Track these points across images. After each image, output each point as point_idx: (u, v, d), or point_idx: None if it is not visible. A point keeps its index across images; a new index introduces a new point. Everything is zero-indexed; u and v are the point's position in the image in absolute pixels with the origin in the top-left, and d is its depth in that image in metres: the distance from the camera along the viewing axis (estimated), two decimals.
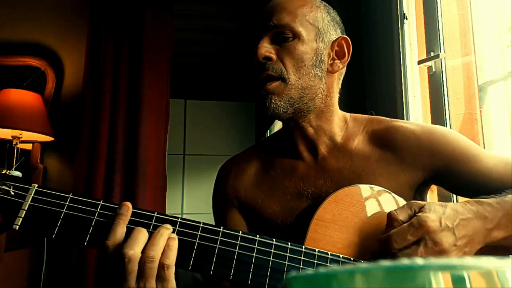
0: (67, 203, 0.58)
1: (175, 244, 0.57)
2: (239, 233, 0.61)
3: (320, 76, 0.72)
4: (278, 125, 3.03)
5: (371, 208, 0.68)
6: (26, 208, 0.57)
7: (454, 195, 1.16)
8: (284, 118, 0.72)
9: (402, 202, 0.70)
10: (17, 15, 2.34)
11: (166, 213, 0.61)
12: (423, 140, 0.73)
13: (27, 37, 2.33)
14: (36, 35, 2.34)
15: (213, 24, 2.88)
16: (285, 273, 0.60)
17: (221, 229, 0.60)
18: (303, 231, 0.66)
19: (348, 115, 0.81)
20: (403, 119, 1.37)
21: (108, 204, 0.59)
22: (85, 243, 0.57)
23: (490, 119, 1.17)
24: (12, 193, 0.57)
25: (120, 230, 0.56)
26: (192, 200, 3.53)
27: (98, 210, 0.59)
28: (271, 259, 0.60)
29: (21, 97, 1.97)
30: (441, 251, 0.56)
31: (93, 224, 0.58)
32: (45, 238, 1.90)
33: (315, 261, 0.62)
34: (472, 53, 1.22)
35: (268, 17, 0.72)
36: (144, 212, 0.60)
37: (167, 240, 0.56)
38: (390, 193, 0.70)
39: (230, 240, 0.60)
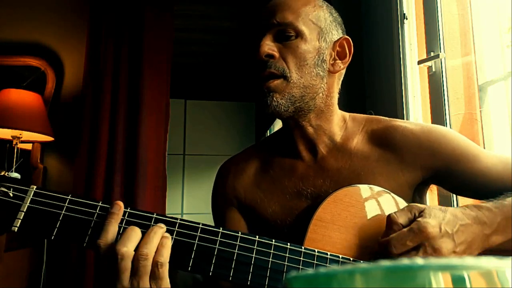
0: (66, 204, 0.58)
1: (168, 243, 0.57)
2: (239, 233, 0.61)
3: (321, 75, 0.73)
4: (278, 125, 3.03)
5: (371, 208, 0.68)
6: (24, 210, 0.56)
7: (454, 195, 1.16)
8: (284, 116, 0.72)
9: (401, 202, 0.70)
10: (17, 15, 2.34)
11: (166, 213, 0.61)
12: (422, 140, 0.73)
13: (27, 37, 2.33)
14: (36, 35, 2.34)
15: (213, 24, 2.88)
16: (284, 273, 0.60)
17: (220, 230, 0.60)
18: (303, 231, 0.66)
19: (347, 114, 0.81)
20: (403, 119, 1.36)
21: (107, 206, 0.59)
22: (84, 244, 0.57)
23: (490, 119, 1.17)
24: (11, 195, 0.56)
25: (112, 229, 0.56)
26: (192, 200, 3.53)
27: (97, 211, 0.58)
28: (270, 259, 0.60)
29: (21, 97, 1.98)
30: (440, 258, 0.57)
31: (92, 225, 0.58)
32: (44, 239, 1.90)
33: (315, 262, 0.61)
34: (472, 53, 1.22)
35: (271, 15, 0.72)
36: (143, 213, 0.60)
37: (160, 239, 0.56)
38: (389, 193, 0.70)
39: (229, 241, 0.60)
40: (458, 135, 0.77)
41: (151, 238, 0.56)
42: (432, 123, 1.27)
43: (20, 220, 0.56)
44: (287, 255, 0.61)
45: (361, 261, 0.64)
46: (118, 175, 1.99)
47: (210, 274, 0.58)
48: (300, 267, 0.61)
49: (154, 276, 0.55)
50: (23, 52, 2.29)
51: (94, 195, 1.93)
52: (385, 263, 0.20)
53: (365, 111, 0.91)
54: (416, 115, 1.42)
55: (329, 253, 0.63)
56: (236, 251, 0.60)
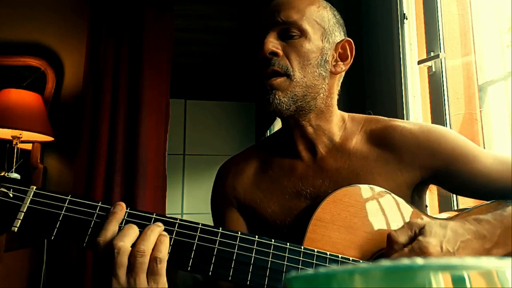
0: (66, 204, 0.58)
1: (166, 240, 0.57)
2: (238, 233, 0.61)
3: (323, 76, 0.73)
4: (278, 125, 3.03)
5: (370, 208, 0.68)
6: (24, 210, 0.56)
7: (454, 195, 1.16)
8: (285, 115, 0.71)
9: (402, 202, 0.70)
10: (17, 15, 2.34)
11: (166, 213, 0.61)
12: (421, 140, 0.73)
13: (27, 37, 2.33)
14: (36, 35, 2.34)
15: (213, 24, 2.88)
16: (284, 273, 0.60)
17: (220, 230, 0.60)
18: (302, 231, 0.66)
19: (346, 114, 0.81)
20: (403, 119, 1.36)
21: (106, 206, 0.59)
22: (84, 244, 0.57)
23: (490, 119, 1.17)
24: (11, 195, 0.57)
25: (112, 228, 0.56)
26: (192, 200, 3.53)
27: (97, 211, 0.58)
28: (270, 259, 0.60)
29: (21, 97, 1.98)
30: None
31: (91, 225, 0.58)
32: (44, 239, 1.90)
33: (314, 261, 0.61)
34: (472, 53, 1.22)
35: (275, 13, 0.71)
36: (143, 214, 0.60)
37: (159, 236, 0.57)
38: (389, 193, 0.70)
39: (229, 241, 0.60)
40: (457, 135, 0.77)
41: (148, 235, 0.56)
42: (432, 123, 1.27)
43: (20, 220, 0.56)
44: (286, 255, 0.61)
45: (361, 261, 0.64)
46: (118, 175, 1.99)
47: (210, 274, 0.58)
48: (300, 266, 0.61)
49: (153, 272, 0.55)
50: (23, 52, 2.29)
51: (94, 195, 1.93)
52: (385, 263, 0.20)
53: (365, 111, 0.91)
54: (416, 115, 1.42)
55: (328, 253, 0.63)
56: (235, 251, 0.60)
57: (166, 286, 0.57)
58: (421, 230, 0.59)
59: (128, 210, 0.59)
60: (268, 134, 3.35)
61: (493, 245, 0.61)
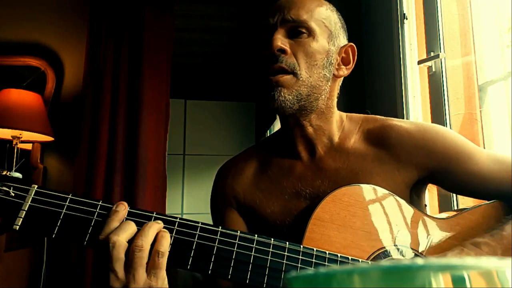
0: (67, 203, 0.58)
1: (167, 235, 0.57)
2: (238, 232, 0.61)
3: (327, 78, 0.73)
4: (278, 125, 3.03)
5: (370, 207, 0.68)
6: (26, 209, 0.57)
7: (454, 195, 1.16)
8: (287, 113, 0.71)
9: (401, 202, 0.70)
10: (17, 15, 2.34)
11: (166, 213, 0.61)
12: (417, 139, 0.73)
13: (27, 37, 2.33)
14: (36, 35, 2.34)
15: (213, 24, 2.88)
16: (283, 272, 0.60)
17: (220, 229, 0.61)
18: (302, 231, 0.66)
19: (344, 114, 0.81)
20: (403, 119, 1.36)
21: (107, 205, 0.59)
22: (85, 243, 0.57)
23: (490, 119, 1.17)
24: (12, 194, 0.57)
25: (113, 226, 0.57)
26: (192, 200, 3.53)
27: (97, 210, 0.59)
28: (269, 258, 0.60)
29: (21, 97, 1.98)
30: None
31: (92, 224, 0.58)
32: (45, 238, 1.90)
33: (313, 261, 0.62)
34: (472, 53, 1.22)
35: (285, 10, 0.71)
36: (143, 212, 0.60)
37: (160, 231, 0.57)
38: (389, 192, 0.70)
39: (228, 240, 0.60)
40: (455, 135, 0.76)
41: (146, 231, 0.56)
42: (432, 123, 1.27)
43: (21, 219, 0.56)
44: (286, 254, 0.61)
45: (360, 260, 0.64)
46: (118, 175, 1.99)
47: (209, 272, 0.58)
48: (299, 266, 0.61)
49: (153, 266, 0.55)
50: (23, 52, 2.29)
51: (94, 195, 1.93)
52: (384, 263, 0.20)
53: (365, 111, 0.91)
54: (416, 115, 1.42)
55: (327, 252, 0.63)
56: (235, 249, 0.60)
57: (166, 279, 0.57)
58: None
59: (128, 209, 0.59)
60: (268, 134, 3.35)
61: None
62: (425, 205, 0.86)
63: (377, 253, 0.66)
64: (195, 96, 3.68)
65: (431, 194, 1.25)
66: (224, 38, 3.10)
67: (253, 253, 0.60)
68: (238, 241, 0.60)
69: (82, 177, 2.00)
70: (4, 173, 0.59)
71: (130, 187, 1.98)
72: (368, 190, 0.70)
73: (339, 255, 0.63)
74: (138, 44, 2.13)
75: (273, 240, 0.61)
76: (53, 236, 0.57)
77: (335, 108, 0.78)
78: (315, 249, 0.62)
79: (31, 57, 2.29)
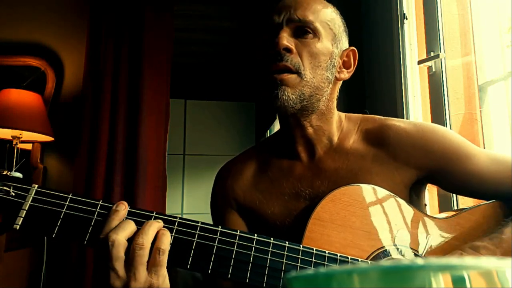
0: (67, 203, 0.58)
1: (168, 233, 0.58)
2: (237, 232, 0.61)
3: (330, 80, 0.73)
4: (278, 126, 3.03)
5: (369, 207, 0.68)
6: (26, 208, 0.57)
7: (454, 195, 1.16)
8: (289, 112, 0.71)
9: (401, 201, 0.70)
10: (17, 15, 2.34)
11: (166, 213, 0.61)
12: (416, 139, 0.74)
13: (27, 37, 2.33)
14: (36, 35, 2.34)
15: (213, 24, 2.88)
16: (283, 272, 0.60)
17: (219, 229, 0.61)
18: (302, 231, 0.66)
19: (343, 115, 0.81)
20: (403, 119, 1.36)
21: (107, 204, 0.59)
22: (85, 242, 0.57)
23: (490, 119, 1.17)
24: (13, 194, 0.57)
25: (113, 225, 0.57)
26: (192, 200, 3.53)
27: (98, 210, 0.59)
28: (269, 257, 0.60)
29: (21, 97, 1.97)
30: None
31: (92, 223, 0.58)
32: (45, 237, 1.90)
33: (313, 260, 0.62)
34: (472, 53, 1.22)
35: (291, 10, 0.72)
36: (143, 212, 0.60)
37: (160, 230, 0.57)
38: (389, 192, 0.70)
39: (228, 239, 0.60)
40: (454, 135, 0.76)
41: (146, 229, 0.56)
42: (432, 123, 1.27)
43: (22, 218, 0.56)
44: (285, 253, 0.61)
45: (360, 260, 0.64)
46: (118, 175, 1.99)
47: (209, 272, 0.58)
48: (299, 265, 0.61)
49: (154, 263, 0.55)
50: (23, 52, 2.29)
51: (94, 195, 1.93)
52: (384, 262, 0.20)
53: (365, 111, 0.91)
54: (416, 115, 1.42)
55: (327, 252, 0.63)
56: (235, 249, 0.60)
57: (167, 277, 0.57)
58: None
59: (128, 209, 0.60)
60: (268, 134, 3.35)
61: None
62: (425, 205, 0.86)
63: (376, 252, 0.66)
64: (195, 96, 3.68)
65: (431, 194, 1.25)
66: (224, 38, 3.10)
67: (252, 253, 0.60)
68: (238, 240, 0.60)
69: (82, 177, 2.00)
70: (5, 173, 0.59)
71: (130, 187, 1.98)
72: (367, 190, 0.70)
73: (338, 254, 0.63)
74: (138, 44, 2.13)
75: (273, 240, 0.61)
76: (54, 236, 0.57)
77: (335, 110, 0.78)
78: (314, 249, 0.62)
79: (31, 57, 2.29)
